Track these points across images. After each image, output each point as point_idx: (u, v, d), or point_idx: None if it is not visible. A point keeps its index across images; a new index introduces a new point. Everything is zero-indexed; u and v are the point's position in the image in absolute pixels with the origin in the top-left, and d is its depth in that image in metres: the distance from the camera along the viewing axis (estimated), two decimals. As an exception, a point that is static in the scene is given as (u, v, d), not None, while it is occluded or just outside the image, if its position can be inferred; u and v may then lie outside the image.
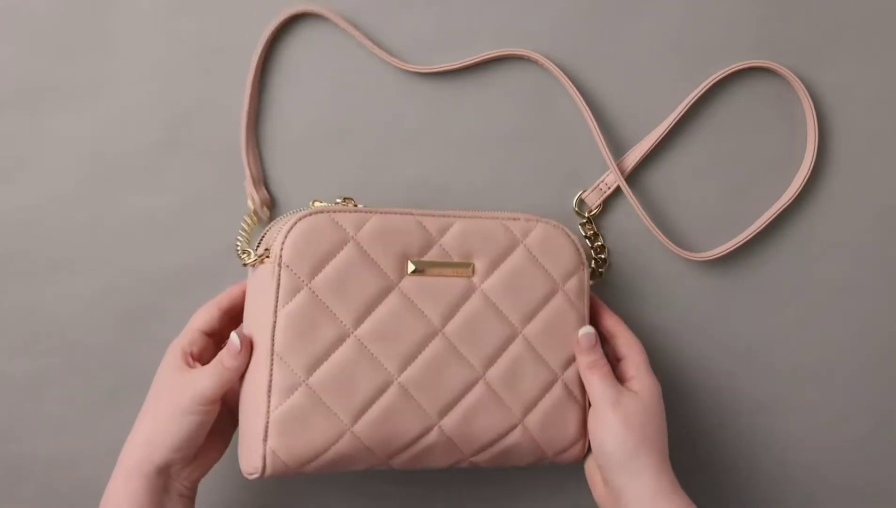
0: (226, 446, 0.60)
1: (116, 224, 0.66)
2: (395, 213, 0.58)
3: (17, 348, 0.66)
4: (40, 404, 0.66)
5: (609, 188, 0.64)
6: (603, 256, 0.65)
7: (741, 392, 0.68)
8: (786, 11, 0.66)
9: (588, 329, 0.59)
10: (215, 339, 0.59)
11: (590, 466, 0.61)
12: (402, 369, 0.56)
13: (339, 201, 0.59)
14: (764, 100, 0.66)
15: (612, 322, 0.62)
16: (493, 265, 0.59)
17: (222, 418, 0.58)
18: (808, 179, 0.65)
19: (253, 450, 0.54)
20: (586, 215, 0.65)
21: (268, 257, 0.56)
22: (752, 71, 0.66)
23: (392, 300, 0.56)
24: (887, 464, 0.68)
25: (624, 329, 0.61)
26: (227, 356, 0.55)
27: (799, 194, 0.65)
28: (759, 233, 0.65)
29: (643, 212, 0.64)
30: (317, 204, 0.59)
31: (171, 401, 0.54)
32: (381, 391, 0.55)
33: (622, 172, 0.64)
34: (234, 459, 0.61)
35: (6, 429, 0.67)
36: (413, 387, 0.56)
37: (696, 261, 0.66)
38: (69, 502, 0.67)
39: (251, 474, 0.55)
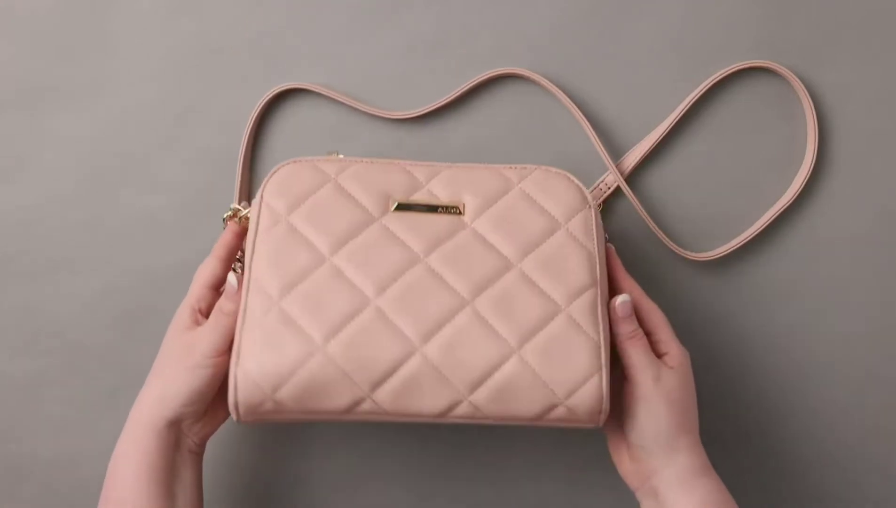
0: None
1: (116, 224, 0.66)
2: (381, 162, 0.58)
3: (17, 348, 0.66)
4: (40, 404, 0.66)
5: (609, 189, 0.64)
6: None
7: (742, 392, 0.68)
8: (785, 11, 0.66)
9: (625, 297, 0.55)
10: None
11: (616, 441, 0.57)
12: (380, 292, 0.53)
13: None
14: (764, 100, 0.66)
15: (629, 286, 0.58)
16: (485, 206, 0.57)
17: None
18: (809, 180, 0.65)
19: (228, 380, 0.53)
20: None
21: (239, 211, 0.59)
22: (752, 71, 0.66)
23: (372, 231, 0.55)
24: (888, 464, 0.68)
25: (642, 296, 0.58)
26: (224, 301, 0.55)
27: (799, 194, 0.65)
28: (759, 233, 0.65)
29: (644, 211, 0.64)
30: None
31: (181, 359, 0.54)
32: (357, 312, 0.53)
33: (622, 173, 0.64)
34: (240, 443, 0.61)
35: (6, 429, 0.67)
36: (391, 310, 0.53)
37: (697, 261, 0.66)
38: (69, 502, 0.67)
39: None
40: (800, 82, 0.64)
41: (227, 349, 0.54)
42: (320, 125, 0.66)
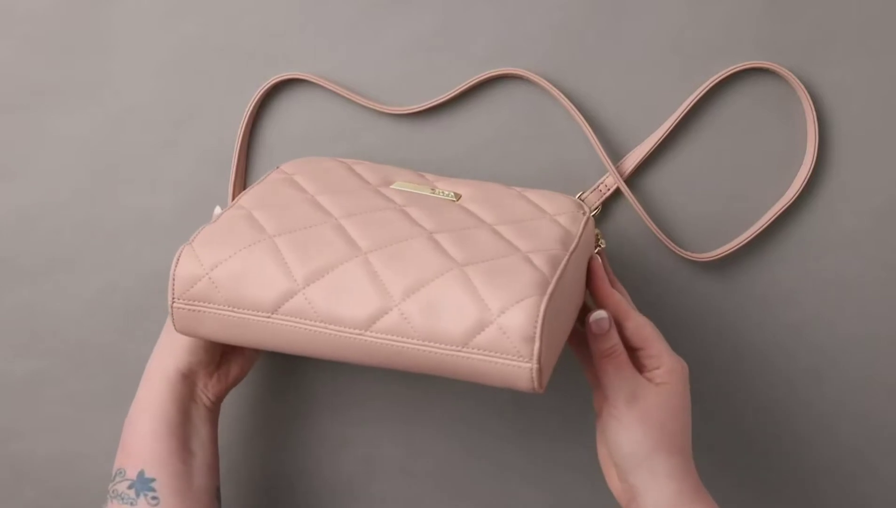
0: (249, 364, 0.61)
1: (116, 224, 0.66)
2: (392, 166, 0.61)
3: (17, 348, 0.66)
4: (40, 404, 0.66)
5: (608, 190, 0.64)
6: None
7: (743, 392, 0.68)
8: (786, 11, 0.66)
9: (600, 314, 0.54)
10: None
11: (603, 456, 0.57)
12: (346, 216, 0.54)
13: None
14: (763, 101, 0.66)
15: (614, 302, 0.55)
16: (482, 198, 0.58)
17: None
18: (809, 180, 0.65)
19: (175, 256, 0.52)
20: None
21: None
22: (752, 72, 0.65)
23: (366, 191, 0.57)
24: (889, 465, 0.68)
25: (630, 311, 0.56)
26: None
27: (799, 194, 0.65)
28: (759, 233, 0.65)
29: (643, 212, 0.64)
30: None
31: None
32: (317, 223, 0.53)
33: (621, 175, 0.64)
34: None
35: (6, 429, 0.67)
36: (349, 225, 0.53)
37: (697, 262, 0.65)
38: (69, 502, 0.67)
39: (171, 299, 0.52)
40: (799, 83, 0.64)
41: None
42: (318, 120, 0.65)
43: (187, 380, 0.57)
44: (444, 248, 0.51)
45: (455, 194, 0.58)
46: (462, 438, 0.67)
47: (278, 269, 0.50)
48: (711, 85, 0.64)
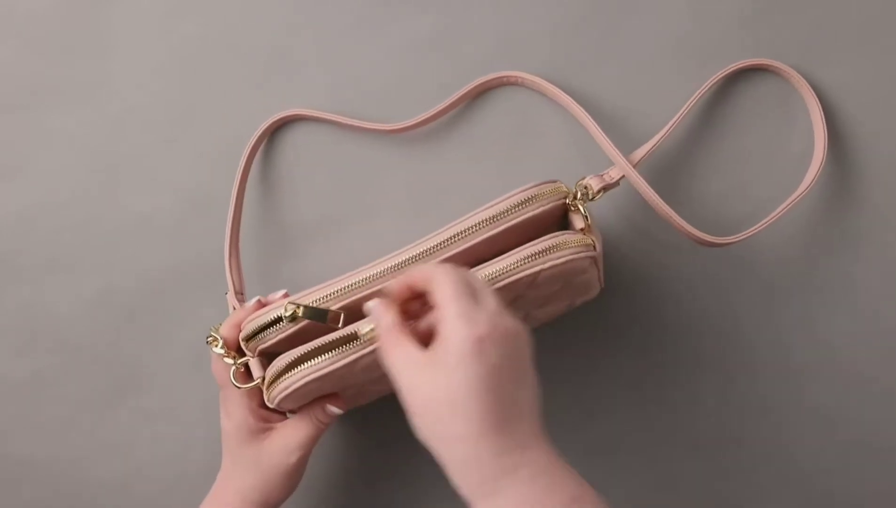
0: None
1: (116, 224, 0.66)
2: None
3: (17, 348, 0.66)
4: (40, 404, 0.67)
5: (612, 180, 0.60)
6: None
7: (745, 393, 0.67)
8: (786, 10, 0.65)
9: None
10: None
11: None
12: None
13: None
14: (767, 99, 0.66)
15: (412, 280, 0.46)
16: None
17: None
18: (819, 175, 0.64)
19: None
20: (580, 197, 0.56)
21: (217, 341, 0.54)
22: (752, 71, 0.65)
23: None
24: (889, 464, 0.68)
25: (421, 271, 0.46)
26: (324, 415, 0.54)
27: (805, 192, 0.65)
28: (761, 231, 0.65)
29: (655, 195, 0.61)
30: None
31: (269, 466, 0.54)
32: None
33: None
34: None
35: (6, 429, 0.67)
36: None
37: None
38: (69, 502, 0.67)
39: None
40: (804, 80, 0.64)
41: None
42: (311, 145, 0.66)
43: None
44: None
45: None
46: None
47: None
48: (716, 80, 0.64)
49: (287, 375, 0.50)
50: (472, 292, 0.44)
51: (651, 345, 0.66)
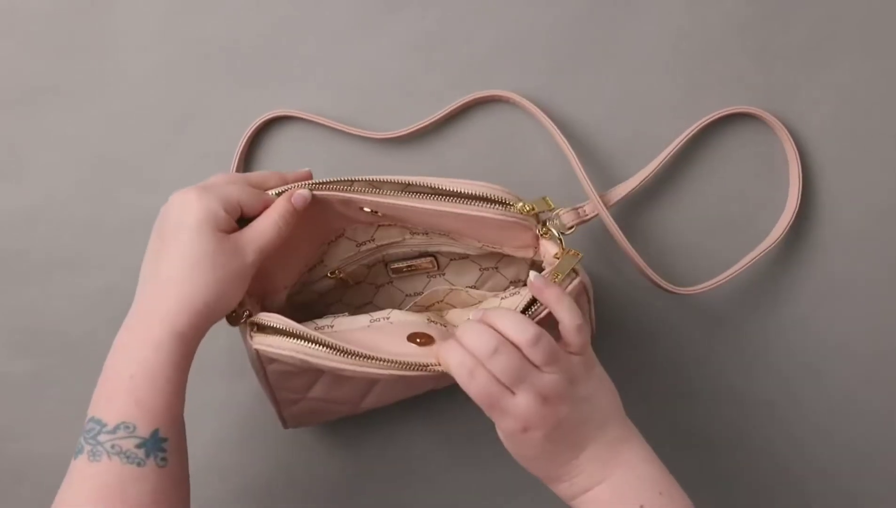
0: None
1: (116, 224, 0.66)
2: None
3: (17, 348, 0.66)
4: (40, 404, 0.67)
5: (587, 215, 0.60)
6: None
7: (742, 392, 0.68)
8: (781, 20, 0.66)
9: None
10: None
11: None
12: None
13: None
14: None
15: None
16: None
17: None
18: (793, 222, 0.65)
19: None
20: (553, 227, 0.57)
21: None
22: (739, 116, 0.65)
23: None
24: (889, 465, 0.68)
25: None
26: (288, 206, 0.54)
27: (784, 237, 0.65)
28: (740, 273, 0.64)
29: (625, 240, 0.63)
30: None
31: (227, 264, 0.51)
32: None
33: (605, 204, 0.62)
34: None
35: (6, 429, 0.67)
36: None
37: (676, 295, 0.65)
38: (69, 502, 0.67)
39: None
40: (783, 127, 0.64)
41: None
42: (305, 146, 0.66)
43: (201, 335, 0.52)
44: None
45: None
46: (455, 442, 0.67)
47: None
48: (699, 127, 0.64)
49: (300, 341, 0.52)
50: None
51: (646, 349, 0.66)
